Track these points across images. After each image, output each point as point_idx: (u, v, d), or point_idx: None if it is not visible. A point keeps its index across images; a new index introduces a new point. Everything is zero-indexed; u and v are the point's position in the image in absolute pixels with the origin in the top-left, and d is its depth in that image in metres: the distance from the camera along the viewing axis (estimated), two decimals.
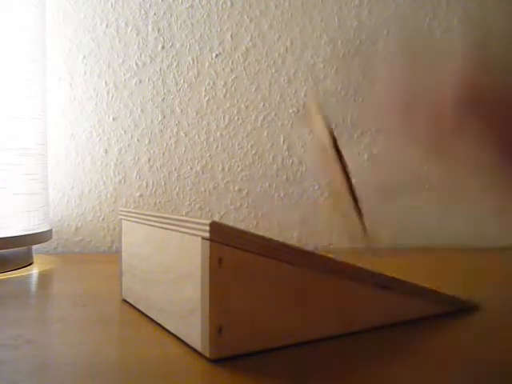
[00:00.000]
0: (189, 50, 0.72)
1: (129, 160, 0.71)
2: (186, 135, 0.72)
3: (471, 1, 0.79)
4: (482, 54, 0.33)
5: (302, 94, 0.75)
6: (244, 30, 0.73)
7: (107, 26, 0.70)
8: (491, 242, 0.76)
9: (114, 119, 0.71)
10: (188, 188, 0.72)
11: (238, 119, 0.73)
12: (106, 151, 0.71)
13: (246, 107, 0.73)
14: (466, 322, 0.36)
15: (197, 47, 0.72)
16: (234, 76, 0.73)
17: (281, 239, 0.30)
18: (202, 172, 0.73)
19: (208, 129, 0.73)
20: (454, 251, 0.71)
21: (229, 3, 0.72)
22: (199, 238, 0.28)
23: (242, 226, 0.73)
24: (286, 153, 0.74)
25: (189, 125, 0.72)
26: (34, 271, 0.54)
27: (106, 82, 0.70)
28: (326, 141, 0.37)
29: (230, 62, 0.73)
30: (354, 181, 0.40)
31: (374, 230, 0.45)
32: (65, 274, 0.53)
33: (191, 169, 0.72)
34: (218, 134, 0.73)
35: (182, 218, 0.30)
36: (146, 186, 0.71)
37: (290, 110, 0.74)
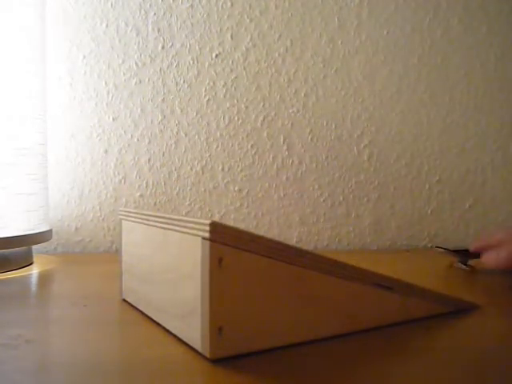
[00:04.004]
0: (189, 50, 0.72)
1: (129, 160, 0.71)
2: (186, 135, 0.72)
3: (471, 1, 0.79)
4: None
5: (302, 94, 0.75)
6: (244, 30, 0.73)
7: (107, 26, 0.70)
8: None
9: (114, 119, 0.71)
10: (188, 188, 0.72)
11: (238, 119, 0.73)
12: (106, 151, 0.71)
13: (246, 107, 0.73)
14: (466, 322, 0.36)
15: (197, 47, 0.72)
16: (233, 76, 0.73)
17: (281, 239, 0.30)
18: (202, 172, 0.73)
19: (208, 129, 0.73)
20: None
21: (229, 3, 0.72)
22: (199, 238, 0.28)
23: (242, 226, 0.73)
24: (286, 153, 0.74)
25: (189, 125, 0.72)
26: (34, 271, 0.54)
27: (105, 82, 0.70)
28: None
29: (230, 62, 0.73)
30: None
31: None
32: (65, 274, 0.53)
33: (191, 169, 0.72)
34: (218, 133, 0.73)
35: (182, 218, 0.30)
36: (146, 186, 0.71)
37: (290, 110, 0.74)
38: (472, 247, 0.59)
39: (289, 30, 0.74)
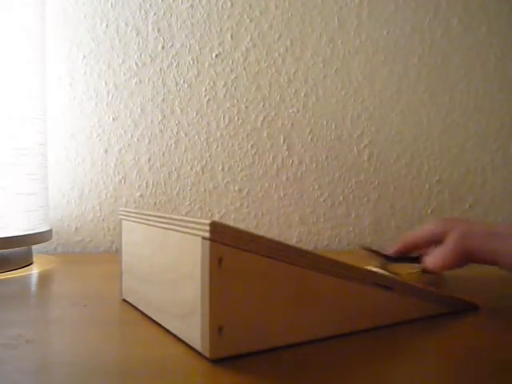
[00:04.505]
0: (189, 50, 0.72)
1: (129, 160, 0.71)
2: (186, 135, 0.72)
3: (471, 1, 0.79)
4: None
5: (302, 94, 0.75)
6: (244, 30, 0.73)
7: (107, 26, 0.70)
8: None
9: (114, 119, 0.71)
10: (188, 188, 0.72)
11: (238, 119, 0.73)
12: (106, 151, 0.71)
13: (246, 107, 0.73)
14: (466, 322, 0.36)
15: (197, 47, 0.72)
16: (234, 76, 0.73)
17: (281, 239, 0.30)
18: (202, 172, 0.73)
19: (208, 129, 0.73)
20: None
21: (229, 3, 0.72)
22: (199, 238, 0.28)
23: (242, 226, 0.73)
24: (286, 153, 0.74)
25: (189, 125, 0.72)
26: (34, 271, 0.54)
27: (105, 82, 0.70)
28: None
29: (230, 62, 0.73)
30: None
31: None
32: (65, 274, 0.53)
33: (191, 169, 0.72)
34: (218, 133, 0.73)
35: (182, 218, 0.30)
36: (146, 186, 0.71)
37: (290, 110, 0.74)
38: (393, 250, 0.47)
39: (289, 30, 0.74)
